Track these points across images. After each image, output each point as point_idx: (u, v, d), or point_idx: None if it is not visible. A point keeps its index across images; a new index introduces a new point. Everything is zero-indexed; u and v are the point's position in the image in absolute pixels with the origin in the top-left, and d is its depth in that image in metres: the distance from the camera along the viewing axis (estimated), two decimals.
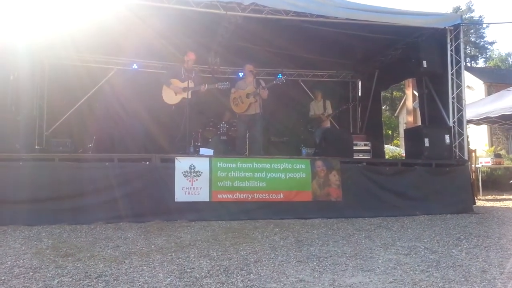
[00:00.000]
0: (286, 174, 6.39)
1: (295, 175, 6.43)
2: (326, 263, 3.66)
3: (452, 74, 7.62)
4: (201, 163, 6.11)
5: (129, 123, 7.85)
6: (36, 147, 7.90)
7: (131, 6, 6.47)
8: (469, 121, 10.58)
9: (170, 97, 7.10)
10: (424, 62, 7.55)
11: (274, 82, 7.76)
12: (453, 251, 4.18)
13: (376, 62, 10.12)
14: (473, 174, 9.74)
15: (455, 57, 7.64)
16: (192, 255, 3.88)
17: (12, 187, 5.42)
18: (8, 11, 6.31)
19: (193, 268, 3.46)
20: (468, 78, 21.73)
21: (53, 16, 6.74)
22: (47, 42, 8.09)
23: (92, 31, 7.44)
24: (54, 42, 8.14)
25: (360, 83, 11.51)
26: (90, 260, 3.65)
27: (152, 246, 4.23)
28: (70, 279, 3.11)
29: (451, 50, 7.63)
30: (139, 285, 3.00)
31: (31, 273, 3.24)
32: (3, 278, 3.11)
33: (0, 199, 5.34)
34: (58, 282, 3.04)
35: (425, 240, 4.68)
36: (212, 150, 6.97)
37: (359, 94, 11.48)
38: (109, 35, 7.85)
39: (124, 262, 3.62)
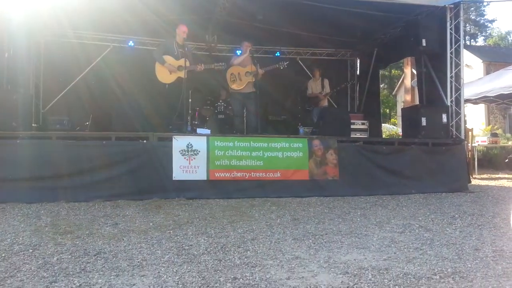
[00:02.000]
0: (283, 153, 6.42)
1: (292, 154, 6.45)
2: (322, 241, 3.72)
3: (451, 53, 7.57)
4: (199, 142, 6.12)
5: (126, 101, 7.82)
6: (33, 125, 7.85)
7: None
8: (466, 100, 10.55)
9: (165, 75, 6.98)
10: (423, 41, 7.49)
11: (275, 66, 7.71)
12: (447, 229, 4.25)
13: (375, 40, 10.02)
14: (469, 153, 9.81)
15: (455, 36, 7.58)
16: (190, 233, 3.93)
17: (10, 164, 5.44)
18: None
19: (191, 245, 3.51)
20: (467, 57, 21.56)
21: None
22: (43, 19, 7.96)
23: (88, 7, 7.33)
24: (50, 19, 8.01)
25: (358, 61, 11.42)
26: (89, 238, 3.70)
27: (151, 224, 4.28)
28: (69, 256, 3.15)
29: (451, 29, 7.56)
30: (138, 262, 3.05)
31: (31, 250, 3.28)
32: (3, 255, 3.16)
33: None
34: (57, 259, 3.09)
35: (420, 219, 4.75)
36: (209, 131, 6.97)
37: (358, 72, 11.42)
38: (105, 12, 7.72)
39: (123, 239, 3.67)
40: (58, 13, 7.55)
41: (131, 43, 9.64)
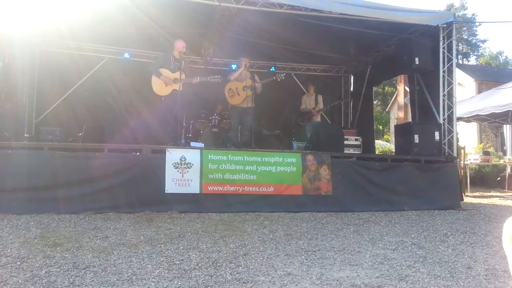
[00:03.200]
0: (276, 167, 6.41)
1: (285, 168, 6.45)
2: (314, 257, 3.69)
3: (443, 72, 7.67)
4: (192, 155, 6.10)
5: (120, 113, 7.80)
6: (25, 135, 7.80)
7: None
8: (459, 118, 10.67)
9: (160, 88, 7.00)
10: (416, 59, 7.58)
11: (272, 78, 7.77)
12: (440, 247, 4.24)
13: (369, 57, 10.14)
14: (462, 170, 9.85)
15: (447, 55, 7.69)
16: (181, 247, 3.89)
17: (0, 175, 5.36)
18: None
19: (182, 260, 3.47)
20: (459, 75, 21.88)
21: (45, 4, 6.64)
22: (38, 29, 7.97)
23: (84, 19, 7.35)
24: (45, 29, 8.03)
25: (352, 78, 11.53)
26: (79, 251, 3.64)
27: (141, 237, 4.23)
28: (58, 269, 3.10)
29: (443, 48, 7.67)
30: (128, 276, 3.00)
31: (19, 263, 3.22)
32: None
33: None
34: (45, 272, 3.03)
35: (413, 236, 4.74)
36: (203, 144, 6.95)
37: (351, 89, 11.52)
38: (101, 24, 7.76)
39: (113, 253, 3.61)
40: (54, 24, 7.57)
41: (126, 55, 9.66)
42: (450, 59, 7.70)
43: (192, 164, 6.03)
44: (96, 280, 2.91)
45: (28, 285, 2.76)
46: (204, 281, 2.95)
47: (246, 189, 6.22)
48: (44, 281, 2.85)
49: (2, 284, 2.76)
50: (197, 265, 3.34)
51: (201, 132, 8.51)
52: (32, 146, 6.04)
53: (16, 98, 7.01)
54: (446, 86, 7.69)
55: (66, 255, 3.48)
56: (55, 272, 3.03)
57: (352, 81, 11.56)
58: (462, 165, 10.06)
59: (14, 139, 6.03)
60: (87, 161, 5.75)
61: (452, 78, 7.72)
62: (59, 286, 2.77)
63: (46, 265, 3.20)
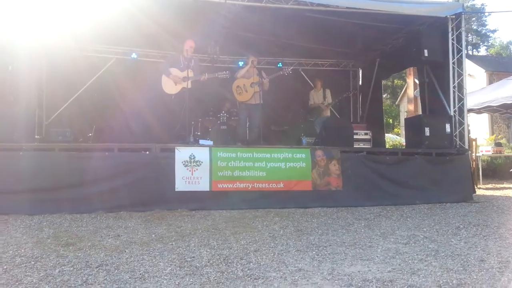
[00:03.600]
0: (286, 163, 6.40)
1: (295, 164, 6.43)
2: (325, 252, 3.68)
3: (453, 63, 7.58)
4: (201, 153, 6.11)
5: (129, 112, 7.85)
6: (36, 136, 7.89)
7: None
8: (470, 110, 10.53)
9: (170, 87, 7.04)
10: (426, 51, 7.50)
11: (280, 73, 7.75)
12: (452, 240, 4.20)
13: (377, 50, 10.05)
14: (473, 163, 9.75)
15: (457, 46, 7.60)
16: (193, 244, 3.91)
17: (13, 176, 5.45)
18: (6, 1, 6.26)
19: (193, 257, 3.48)
20: (470, 66, 21.60)
21: (52, 6, 6.69)
22: (46, 31, 8.03)
23: (91, 20, 7.39)
24: (53, 31, 8.09)
25: (361, 72, 11.46)
26: (91, 250, 3.68)
27: (153, 235, 4.26)
28: (71, 268, 3.13)
29: (453, 39, 7.58)
30: (140, 274, 3.03)
31: (33, 262, 3.26)
32: (5, 267, 3.14)
33: (1, 189, 5.36)
34: (59, 271, 3.07)
35: (424, 229, 4.70)
36: (212, 142, 6.97)
37: (360, 83, 11.44)
38: (107, 24, 7.77)
39: (125, 251, 3.64)
40: (62, 25, 7.62)
41: (134, 55, 9.70)
42: (459, 50, 7.61)
43: (202, 162, 6.04)
44: (108, 278, 2.94)
45: (42, 284, 2.79)
46: (215, 278, 2.96)
47: (256, 185, 6.22)
48: (57, 280, 2.88)
49: (17, 283, 2.80)
50: (208, 262, 3.35)
51: (210, 129, 8.53)
52: (43, 147, 6.11)
53: (26, 101, 7.06)
54: (456, 78, 7.60)
55: (79, 254, 3.52)
56: (68, 271, 3.07)
57: (360, 75, 11.48)
58: (474, 157, 9.95)
59: (25, 141, 6.10)
60: (97, 161, 5.80)
61: (462, 70, 7.63)
62: (72, 285, 2.80)
63: (59, 264, 3.23)
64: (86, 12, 7.00)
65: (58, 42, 8.92)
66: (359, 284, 2.84)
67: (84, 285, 2.80)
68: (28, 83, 7.80)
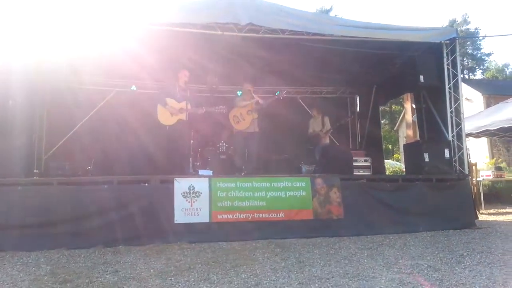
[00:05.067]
0: (286, 192, 6.36)
1: (295, 193, 6.39)
2: (328, 285, 3.61)
3: (449, 88, 7.64)
4: (201, 184, 6.08)
5: (128, 144, 7.86)
6: (35, 170, 7.86)
7: (128, 28, 6.53)
8: (468, 134, 10.57)
9: (166, 117, 7.07)
10: (421, 77, 7.57)
11: (274, 97, 7.83)
12: (456, 268, 4.13)
13: (373, 77, 10.16)
14: (475, 188, 9.69)
15: (452, 71, 7.68)
16: (192, 279, 3.83)
17: (10, 212, 5.39)
18: (8, 34, 6.36)
19: None
20: (467, 90, 21.83)
21: (53, 40, 6.80)
22: (47, 65, 8.14)
23: (91, 54, 7.50)
24: (54, 65, 8.18)
25: (358, 98, 11.56)
26: (89, 286, 3.61)
27: (151, 271, 4.18)
28: None
29: (448, 64, 7.67)
30: None
31: None
32: None
33: None
34: None
35: (428, 258, 4.62)
36: (211, 172, 6.94)
37: (358, 109, 11.52)
38: (107, 57, 7.90)
39: (123, 287, 3.57)
40: (62, 59, 7.73)
41: (133, 87, 9.81)
42: (455, 75, 7.69)
43: (201, 193, 6.00)
44: None
45: None
46: None
47: (256, 215, 6.15)
48: None
49: None
50: None
51: (209, 159, 8.51)
52: (42, 181, 6.08)
53: (26, 135, 7.07)
54: (453, 103, 7.64)
55: None
56: None
57: (358, 101, 11.58)
58: (474, 182, 9.89)
59: (24, 175, 6.07)
60: (96, 194, 5.75)
61: (458, 94, 7.68)
62: None
63: None
64: (86, 46, 7.11)
65: (59, 76, 9.03)
66: None
67: None
68: (29, 117, 7.84)
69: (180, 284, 3.69)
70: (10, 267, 4.36)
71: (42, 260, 4.70)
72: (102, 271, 4.16)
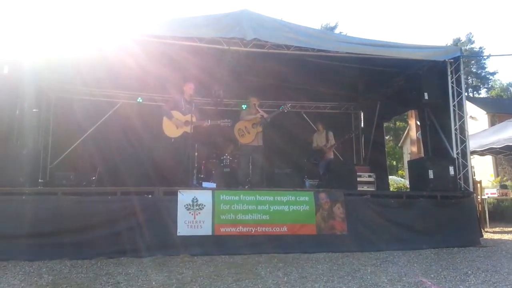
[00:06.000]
0: (289, 206, 6.34)
1: (298, 207, 6.36)
2: None
3: (454, 106, 7.66)
4: (204, 196, 6.07)
5: (133, 155, 7.88)
6: (40, 180, 7.90)
7: (136, 41, 6.62)
8: (473, 152, 10.54)
9: (171, 130, 7.12)
10: (426, 94, 7.60)
11: (279, 110, 7.87)
12: (461, 287, 4.09)
13: (377, 94, 10.21)
14: (479, 205, 9.61)
15: (456, 89, 7.70)
16: None
17: (14, 221, 5.38)
18: (14, 44, 6.45)
19: None
20: (471, 109, 21.81)
21: (60, 51, 6.89)
22: (54, 76, 8.25)
23: (97, 65, 7.60)
24: (61, 76, 8.30)
25: (362, 114, 11.58)
26: None
27: (153, 283, 4.15)
28: None
29: (452, 82, 7.69)
30: None
31: None
32: None
33: (1, 234, 5.29)
34: None
35: (432, 276, 4.58)
36: (215, 184, 6.95)
37: (362, 125, 11.53)
38: (114, 69, 8.01)
39: None
40: (69, 70, 7.83)
41: (139, 99, 9.90)
42: (459, 93, 7.71)
43: (204, 205, 6.00)
44: None
45: None
46: None
47: (259, 229, 6.12)
48: None
49: None
50: None
51: (213, 172, 8.53)
52: (46, 191, 6.10)
53: (32, 145, 7.15)
54: (457, 120, 7.65)
55: None
56: None
57: (362, 117, 11.60)
58: (479, 199, 9.82)
59: (29, 185, 6.09)
60: (100, 205, 5.75)
61: (463, 112, 7.69)
62: None
63: None
64: (93, 57, 7.19)
65: (66, 87, 9.14)
66: None
67: None
68: (35, 127, 7.93)
69: None
70: (12, 277, 4.35)
71: (44, 270, 4.69)
72: (104, 283, 4.14)
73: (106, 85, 9.32)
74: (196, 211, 5.94)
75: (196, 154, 8.26)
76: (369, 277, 4.52)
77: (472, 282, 4.30)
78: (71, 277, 4.37)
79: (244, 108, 8.99)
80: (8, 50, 6.55)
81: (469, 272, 4.77)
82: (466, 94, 7.83)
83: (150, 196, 6.11)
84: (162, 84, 9.04)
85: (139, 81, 8.97)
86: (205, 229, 5.91)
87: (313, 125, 10.47)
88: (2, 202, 5.52)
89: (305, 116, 11.05)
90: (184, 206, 5.93)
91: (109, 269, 4.78)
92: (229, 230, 6.03)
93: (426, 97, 7.61)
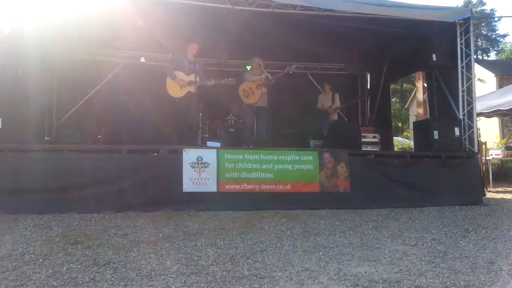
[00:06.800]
0: (293, 165, 6.40)
1: (302, 166, 6.43)
2: (332, 253, 3.68)
3: (462, 67, 7.54)
4: (209, 155, 6.13)
5: (138, 115, 7.90)
6: (46, 138, 7.98)
7: (138, 0, 6.48)
8: (479, 114, 10.46)
9: (175, 90, 7.09)
10: (434, 55, 7.48)
11: (284, 71, 7.78)
12: (461, 242, 4.17)
13: (385, 55, 10.00)
14: (483, 166, 9.65)
15: (465, 50, 7.56)
16: (199, 244, 3.92)
17: (23, 177, 5.51)
18: (16, 5, 6.36)
19: (200, 256, 3.50)
20: (480, 71, 21.45)
21: (62, 11, 6.78)
22: (56, 35, 8.12)
23: (100, 25, 7.47)
24: (63, 36, 8.18)
25: (369, 76, 11.43)
26: (99, 248, 3.71)
27: (160, 235, 4.28)
28: (79, 266, 3.16)
29: (461, 44, 7.54)
30: (147, 272, 3.05)
31: (41, 260, 3.30)
32: (14, 264, 3.18)
33: (11, 189, 5.44)
34: (67, 268, 3.10)
35: (433, 231, 4.67)
36: (219, 144, 6.99)
37: (368, 87, 11.41)
38: (117, 29, 7.86)
39: (132, 250, 3.67)
40: (72, 30, 7.72)
41: (142, 59, 9.81)
42: (468, 55, 7.57)
43: (209, 164, 6.07)
44: (116, 276, 2.96)
45: (50, 281, 2.82)
46: (221, 277, 2.97)
47: (263, 187, 6.22)
48: (65, 277, 2.91)
49: (26, 280, 2.84)
50: (215, 261, 3.36)
51: (218, 132, 8.56)
52: (53, 148, 6.17)
53: (36, 103, 7.14)
54: (465, 82, 7.55)
55: (87, 252, 3.55)
56: (76, 269, 3.10)
57: (369, 79, 11.46)
58: (483, 160, 9.85)
59: (35, 142, 6.17)
60: (106, 162, 5.86)
61: (471, 74, 7.58)
62: (80, 281, 2.83)
63: (67, 262, 3.27)
64: (95, 16, 7.07)
65: (69, 47, 9.03)
66: (365, 285, 2.83)
67: (92, 282, 2.82)
68: (39, 87, 7.89)
69: (188, 248, 3.78)
70: (23, 228, 4.48)
71: (54, 222, 4.82)
72: (112, 234, 4.27)
73: (109, 45, 9.21)
74: (201, 169, 6.02)
75: (200, 114, 8.27)
76: (370, 232, 4.62)
77: (473, 238, 4.38)
78: (80, 229, 4.51)
79: (248, 69, 8.89)
80: (9, 10, 6.46)
81: (470, 228, 4.85)
82: (475, 56, 7.67)
83: (155, 154, 6.17)
84: (165, 44, 8.91)
85: (142, 42, 8.84)
86: (210, 186, 6.02)
87: (318, 87, 10.37)
88: (11, 159, 5.63)
89: (310, 77, 10.92)
90: (189, 164, 6.00)
91: (117, 222, 4.92)
92: (233, 187, 6.13)
93: (434, 59, 7.50)
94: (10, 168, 5.57)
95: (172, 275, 2.99)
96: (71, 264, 3.20)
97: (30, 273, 2.99)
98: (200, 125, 8.25)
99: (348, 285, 2.84)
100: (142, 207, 5.60)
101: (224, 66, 9.95)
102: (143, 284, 2.79)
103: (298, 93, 10.01)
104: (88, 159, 5.84)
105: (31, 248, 3.65)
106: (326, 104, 9.21)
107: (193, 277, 2.95)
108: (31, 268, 3.10)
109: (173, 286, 2.76)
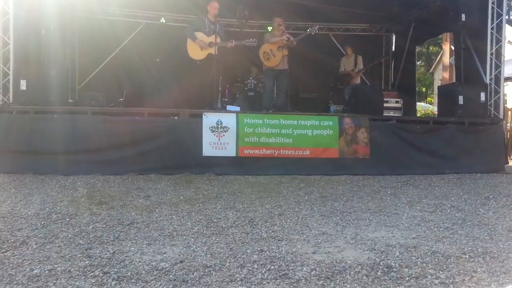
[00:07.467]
0: (313, 131, 6.37)
1: (322, 132, 6.39)
2: (350, 218, 3.72)
3: (492, 28, 7.20)
4: (228, 119, 6.15)
5: (158, 77, 7.93)
6: (69, 100, 8.12)
7: None
8: (507, 79, 10.09)
9: (196, 52, 7.01)
10: (463, 15, 7.14)
11: (306, 33, 7.58)
12: (480, 209, 4.15)
13: (411, 15, 9.62)
14: (508, 133, 9.41)
15: (497, 10, 7.19)
16: (219, 207, 4.02)
17: (48, 138, 5.66)
18: None
19: (219, 218, 3.59)
20: (510, 33, 20.46)
21: None
22: None
23: None
24: None
25: (394, 37, 11.06)
26: (123, 209, 3.85)
27: (181, 197, 4.40)
28: (104, 226, 3.30)
29: (493, 3, 7.16)
30: (169, 232, 3.16)
31: (68, 219, 3.45)
32: (42, 222, 3.34)
33: (37, 150, 5.62)
34: (92, 228, 3.23)
35: (452, 199, 4.64)
36: (239, 108, 6.97)
37: (393, 49, 11.08)
38: None
39: (155, 211, 3.79)
40: None
41: (162, 20, 9.70)
42: (500, 15, 7.21)
43: (228, 128, 6.09)
44: (139, 235, 3.08)
45: (76, 239, 2.96)
46: (240, 238, 3.05)
47: (282, 152, 6.24)
48: (91, 235, 3.04)
49: (53, 237, 2.98)
50: (234, 223, 3.45)
51: (237, 95, 8.54)
52: (76, 110, 6.29)
53: (59, 65, 7.22)
54: (494, 44, 7.24)
55: (111, 213, 3.69)
56: (101, 228, 3.23)
57: (394, 40, 11.10)
58: (508, 127, 9.59)
59: (59, 104, 6.29)
60: (129, 125, 5.96)
61: (501, 36, 7.25)
62: (105, 240, 2.95)
63: (92, 221, 3.40)
64: None
65: (89, 7, 8.99)
66: (382, 249, 2.87)
67: (116, 241, 2.95)
68: (61, 48, 7.95)
69: (208, 210, 3.88)
70: (50, 189, 4.66)
71: (79, 183, 5.00)
72: (135, 196, 4.41)
73: (129, 5, 9.12)
74: (220, 133, 6.06)
75: (220, 78, 8.23)
76: (388, 198, 4.64)
77: (492, 205, 4.35)
78: (104, 190, 4.66)
79: (269, 30, 8.71)
80: None
81: (490, 196, 4.81)
82: (507, 17, 7.30)
83: (176, 118, 6.23)
84: (185, 4, 8.76)
85: (161, 1, 8.71)
86: (229, 151, 6.07)
87: (341, 49, 10.12)
88: (36, 120, 5.79)
89: (333, 39, 10.63)
90: (209, 128, 6.04)
91: (140, 184, 5.06)
92: (252, 152, 6.17)
93: (463, 19, 7.16)
94: (36, 129, 5.72)
95: (193, 236, 3.09)
96: (96, 224, 3.34)
97: (58, 231, 3.13)
98: (220, 89, 8.22)
99: (365, 249, 2.88)
100: (163, 170, 5.73)
101: (244, 27, 9.76)
102: (166, 244, 2.90)
103: (320, 56, 9.76)
104: (111, 122, 5.94)
105: (58, 208, 3.81)
106: (348, 67, 9.02)
107: (213, 238, 3.05)
108: (58, 226, 3.25)
109: (193, 246, 2.86)
